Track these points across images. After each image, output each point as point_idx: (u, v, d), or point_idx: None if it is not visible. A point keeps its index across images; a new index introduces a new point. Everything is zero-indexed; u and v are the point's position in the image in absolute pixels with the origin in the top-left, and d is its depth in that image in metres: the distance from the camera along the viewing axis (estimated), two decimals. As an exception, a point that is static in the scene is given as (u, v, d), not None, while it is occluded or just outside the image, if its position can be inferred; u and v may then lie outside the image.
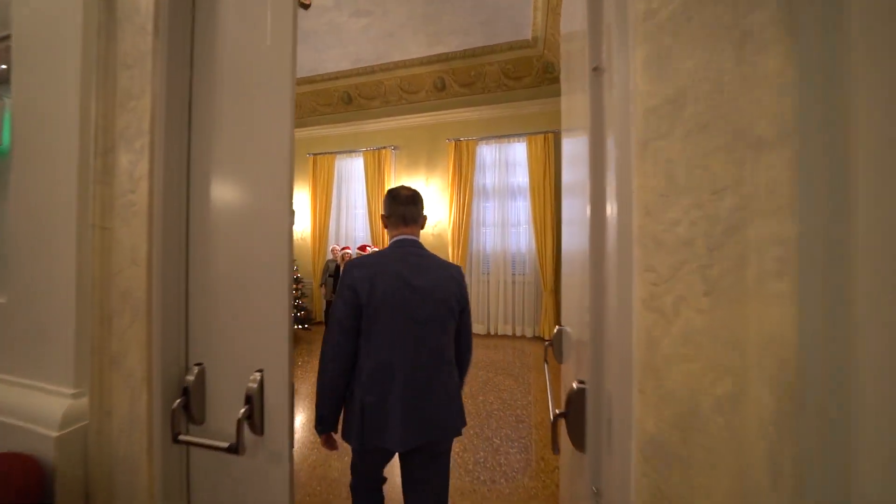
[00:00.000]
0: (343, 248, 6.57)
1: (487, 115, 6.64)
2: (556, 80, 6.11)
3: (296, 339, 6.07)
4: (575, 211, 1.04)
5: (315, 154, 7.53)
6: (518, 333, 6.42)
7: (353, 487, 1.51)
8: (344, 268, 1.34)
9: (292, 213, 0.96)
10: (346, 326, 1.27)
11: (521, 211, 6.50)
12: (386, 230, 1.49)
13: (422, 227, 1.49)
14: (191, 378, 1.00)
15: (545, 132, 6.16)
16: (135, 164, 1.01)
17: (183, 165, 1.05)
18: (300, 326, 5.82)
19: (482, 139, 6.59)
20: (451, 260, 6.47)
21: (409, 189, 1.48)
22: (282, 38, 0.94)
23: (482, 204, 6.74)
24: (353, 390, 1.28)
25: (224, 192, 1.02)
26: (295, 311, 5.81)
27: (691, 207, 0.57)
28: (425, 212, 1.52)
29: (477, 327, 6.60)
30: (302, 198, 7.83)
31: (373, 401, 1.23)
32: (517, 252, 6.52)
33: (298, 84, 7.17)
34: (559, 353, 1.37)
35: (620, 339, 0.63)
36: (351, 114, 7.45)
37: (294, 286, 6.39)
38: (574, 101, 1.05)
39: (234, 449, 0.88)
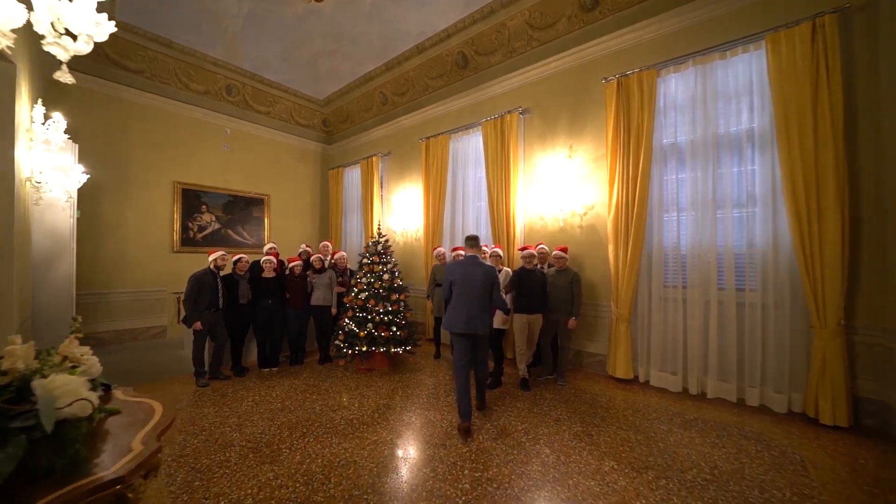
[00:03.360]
0: (454, 250, 5.02)
1: (674, 25, 4.01)
2: None
3: (395, 363, 4.79)
4: None
5: (427, 138, 6.29)
6: (751, 402, 3.50)
7: (455, 368, 3.17)
8: (446, 264, 4.13)
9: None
10: (446, 288, 3.25)
11: (755, 178, 3.58)
12: (464, 249, 3.65)
13: (479, 250, 3.37)
14: None
15: (814, 16, 3.16)
16: None
17: None
18: (400, 349, 4.52)
19: (666, 64, 3.99)
20: (612, 262, 4.15)
21: (473, 235, 3.37)
22: None
23: (667, 174, 4.11)
24: (449, 308, 3.24)
25: None
26: (393, 329, 4.54)
27: None
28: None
29: (662, 379, 3.98)
30: (414, 193, 6.72)
31: (453, 312, 3.16)
32: (747, 252, 3.62)
33: (406, 58, 6.10)
34: None
35: None
36: (468, 80, 5.91)
37: (398, 297, 5.20)
38: None
39: None
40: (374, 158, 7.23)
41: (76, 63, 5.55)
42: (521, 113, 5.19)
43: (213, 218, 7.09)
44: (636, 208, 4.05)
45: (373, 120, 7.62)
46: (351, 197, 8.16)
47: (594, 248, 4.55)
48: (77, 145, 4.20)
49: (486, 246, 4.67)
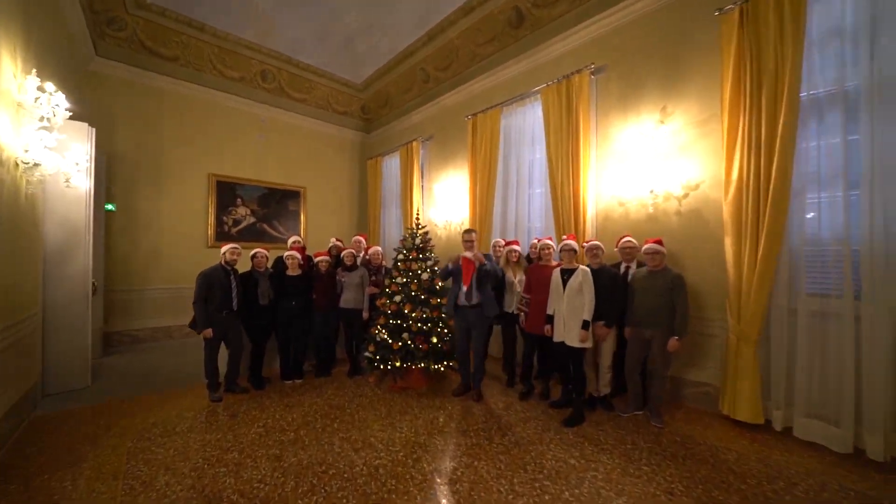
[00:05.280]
0: (508, 244, 4.09)
1: (840, -84, 2.74)
2: None
3: (436, 381, 3.98)
4: None
5: (474, 114, 5.40)
6: (874, 455, 2.22)
7: (457, 344, 3.75)
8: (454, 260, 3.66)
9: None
10: (444, 276, 3.81)
11: None
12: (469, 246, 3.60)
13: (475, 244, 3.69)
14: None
15: None
16: None
17: None
18: (442, 365, 3.69)
19: (826, -23, 2.75)
20: (730, 261, 3.01)
21: (470, 229, 3.68)
22: None
23: (824, 137, 2.86)
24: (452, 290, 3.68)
25: None
26: (434, 340, 3.73)
27: None
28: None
29: (815, 430, 2.77)
30: (459, 180, 5.86)
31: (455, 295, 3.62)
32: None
33: (451, 22, 5.28)
34: None
35: None
36: (524, 41, 4.92)
37: (440, 301, 4.12)
38: None
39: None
40: (415, 143, 6.48)
41: (112, 53, 5.38)
42: (592, 73, 4.12)
43: (249, 211, 6.77)
44: (773, 186, 2.85)
45: (413, 102, 6.88)
46: (390, 188, 7.50)
47: (700, 242, 3.40)
48: (94, 129, 3.85)
49: (549, 239, 3.71)
